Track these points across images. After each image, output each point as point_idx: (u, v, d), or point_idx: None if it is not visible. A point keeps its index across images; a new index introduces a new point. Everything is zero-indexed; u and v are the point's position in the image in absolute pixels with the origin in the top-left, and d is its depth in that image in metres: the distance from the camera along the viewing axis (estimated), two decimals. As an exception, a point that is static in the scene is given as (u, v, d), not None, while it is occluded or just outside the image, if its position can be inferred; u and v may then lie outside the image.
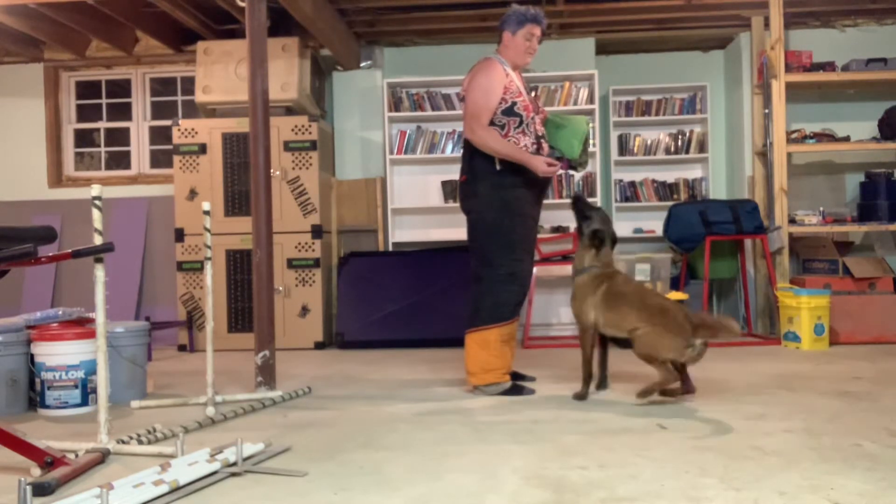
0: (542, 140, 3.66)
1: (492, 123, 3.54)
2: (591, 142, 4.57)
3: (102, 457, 2.54)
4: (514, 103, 3.55)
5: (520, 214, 3.57)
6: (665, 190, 6.34)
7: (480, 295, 3.57)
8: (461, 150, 3.76)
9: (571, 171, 3.86)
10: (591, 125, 3.95)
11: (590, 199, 6.02)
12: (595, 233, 3.50)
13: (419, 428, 2.94)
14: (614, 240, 3.59)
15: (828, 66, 5.58)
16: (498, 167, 3.54)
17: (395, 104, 6.21)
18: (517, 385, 3.61)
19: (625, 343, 3.39)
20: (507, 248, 3.54)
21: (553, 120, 3.81)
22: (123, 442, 2.72)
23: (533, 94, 5.90)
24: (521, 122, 3.55)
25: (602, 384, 3.59)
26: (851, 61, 5.56)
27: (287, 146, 5.65)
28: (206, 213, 3.44)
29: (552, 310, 6.09)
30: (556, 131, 3.76)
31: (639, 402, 3.24)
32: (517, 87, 3.59)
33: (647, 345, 3.22)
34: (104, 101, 6.62)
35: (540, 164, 3.48)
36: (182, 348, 5.69)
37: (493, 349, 3.55)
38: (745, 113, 6.09)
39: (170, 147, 6.20)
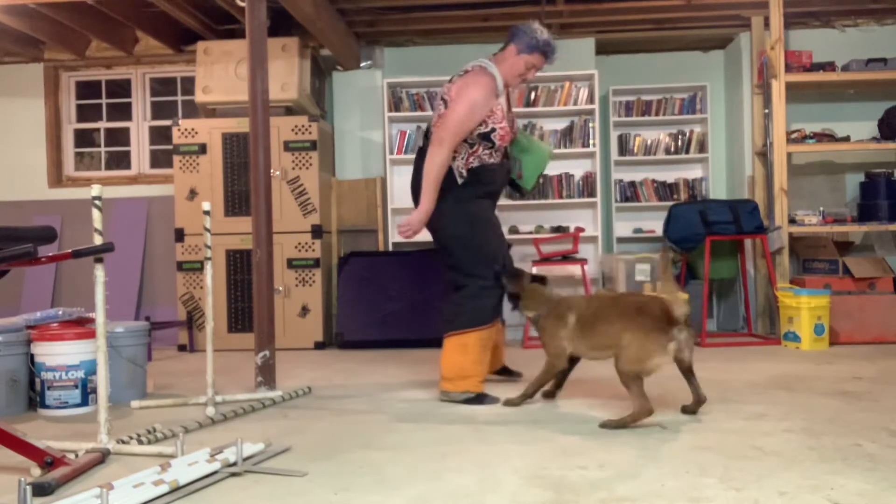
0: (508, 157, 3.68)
1: (464, 140, 3.45)
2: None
3: (102, 457, 2.54)
4: (494, 130, 3.45)
5: (487, 222, 3.53)
6: (665, 190, 6.34)
7: (462, 300, 3.47)
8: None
9: (516, 193, 3.86)
10: (552, 154, 3.90)
11: (590, 199, 6.07)
12: (514, 287, 3.42)
13: (419, 428, 2.94)
14: (532, 277, 3.48)
15: (828, 66, 5.57)
16: (459, 181, 3.47)
17: (395, 104, 6.21)
18: (481, 394, 3.47)
19: None
20: (486, 260, 3.47)
21: (520, 140, 3.75)
22: (123, 442, 2.72)
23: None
24: (492, 146, 3.50)
25: (551, 395, 3.45)
26: (851, 61, 5.56)
27: (287, 146, 5.65)
28: (206, 213, 3.44)
29: (552, 310, 6.09)
30: (519, 154, 3.74)
31: (605, 427, 2.88)
32: (502, 113, 3.50)
33: (632, 359, 2.90)
34: (104, 101, 6.62)
35: (416, 224, 3.41)
36: (182, 348, 5.69)
37: (473, 353, 3.44)
38: (745, 113, 6.09)
39: (170, 147, 6.21)
